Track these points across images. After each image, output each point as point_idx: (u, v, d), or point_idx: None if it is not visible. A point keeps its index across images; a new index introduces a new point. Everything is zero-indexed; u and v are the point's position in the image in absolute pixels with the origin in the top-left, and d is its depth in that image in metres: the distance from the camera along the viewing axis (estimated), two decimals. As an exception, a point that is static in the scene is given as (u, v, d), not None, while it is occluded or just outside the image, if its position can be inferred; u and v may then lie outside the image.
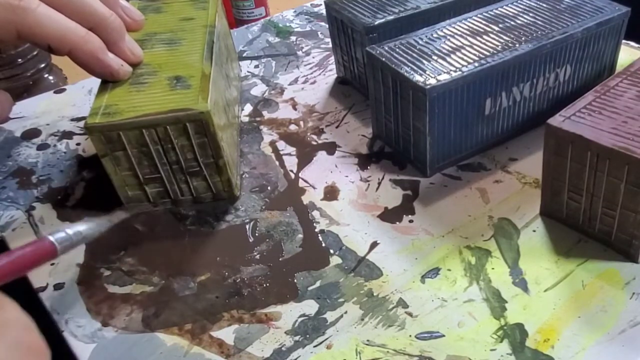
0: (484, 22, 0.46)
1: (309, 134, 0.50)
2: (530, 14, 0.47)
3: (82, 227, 0.29)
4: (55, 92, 0.60)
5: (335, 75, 0.58)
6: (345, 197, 0.43)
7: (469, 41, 0.44)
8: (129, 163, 0.40)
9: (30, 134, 0.53)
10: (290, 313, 0.35)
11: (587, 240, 0.38)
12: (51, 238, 0.27)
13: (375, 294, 0.36)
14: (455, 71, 0.40)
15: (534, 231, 0.39)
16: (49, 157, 0.50)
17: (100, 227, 0.32)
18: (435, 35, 0.45)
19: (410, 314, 0.34)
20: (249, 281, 0.37)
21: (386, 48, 0.44)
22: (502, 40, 0.44)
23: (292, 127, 0.51)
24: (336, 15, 0.52)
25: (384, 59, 0.43)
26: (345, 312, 0.35)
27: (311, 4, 0.72)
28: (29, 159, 0.50)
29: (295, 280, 0.37)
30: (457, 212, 0.41)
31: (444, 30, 0.46)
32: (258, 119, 0.53)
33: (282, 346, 0.33)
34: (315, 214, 0.42)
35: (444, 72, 0.40)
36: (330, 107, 0.54)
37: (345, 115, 0.52)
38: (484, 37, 0.44)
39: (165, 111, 0.38)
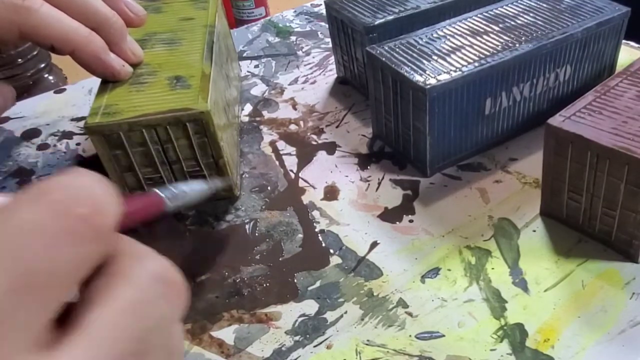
0: (484, 22, 0.46)
1: (309, 133, 0.50)
2: (531, 14, 0.47)
3: (186, 188, 0.28)
4: (55, 92, 0.60)
5: (335, 75, 0.58)
6: (345, 197, 0.43)
7: (469, 41, 0.44)
8: (129, 163, 0.40)
9: (30, 134, 0.53)
10: (290, 313, 0.35)
11: (587, 240, 0.38)
12: (161, 194, 0.26)
13: (375, 294, 0.36)
14: (455, 71, 0.40)
15: (534, 231, 0.39)
16: (49, 157, 0.50)
17: (201, 192, 0.30)
18: (435, 35, 0.45)
19: (410, 314, 0.34)
20: (249, 281, 0.37)
21: (386, 48, 0.44)
22: (502, 40, 0.43)
23: (292, 127, 0.51)
24: (336, 15, 0.52)
25: (384, 59, 0.43)
26: (345, 312, 0.35)
27: (311, 4, 0.72)
28: (29, 159, 0.50)
29: (295, 280, 0.37)
30: (457, 212, 0.41)
31: (444, 30, 0.46)
32: (258, 118, 0.53)
33: (282, 346, 0.33)
34: (315, 213, 0.42)
35: (444, 72, 0.40)
36: (330, 107, 0.54)
37: (345, 115, 0.52)
38: (484, 37, 0.44)
39: (165, 111, 0.38)
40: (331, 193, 0.44)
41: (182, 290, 0.18)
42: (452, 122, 0.42)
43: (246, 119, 0.53)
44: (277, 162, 0.47)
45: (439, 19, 0.48)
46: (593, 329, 0.32)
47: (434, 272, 0.37)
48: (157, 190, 0.26)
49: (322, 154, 0.48)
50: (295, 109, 0.54)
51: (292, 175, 0.46)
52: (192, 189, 0.29)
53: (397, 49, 0.44)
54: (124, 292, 0.16)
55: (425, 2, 0.50)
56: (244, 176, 0.46)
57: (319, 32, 0.66)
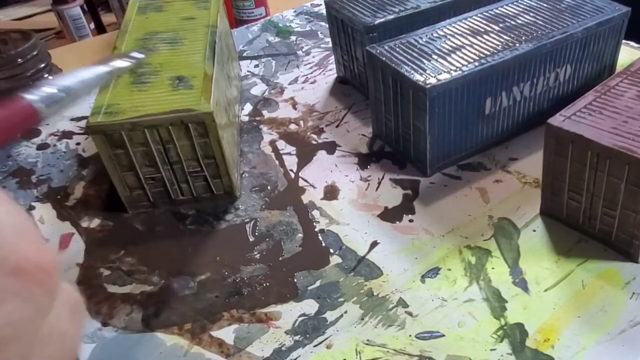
0: (484, 21, 0.46)
1: (309, 133, 0.50)
2: (531, 14, 0.47)
3: (69, 81, 0.22)
4: (55, 92, 0.60)
5: (335, 75, 0.58)
6: (345, 197, 0.43)
7: (469, 40, 0.44)
8: (130, 162, 0.40)
9: (30, 134, 0.53)
10: (290, 313, 0.35)
11: (587, 240, 0.38)
12: (28, 96, 0.20)
13: (375, 294, 0.36)
14: (455, 70, 0.40)
15: (534, 231, 0.39)
16: (48, 156, 0.50)
17: (96, 78, 0.24)
18: (435, 34, 0.45)
19: (410, 314, 0.34)
20: (249, 281, 0.37)
21: (386, 47, 0.44)
22: (502, 40, 0.43)
23: (292, 127, 0.51)
24: (336, 15, 0.52)
25: (384, 58, 0.43)
26: (345, 312, 0.35)
27: (311, 4, 0.72)
28: (29, 159, 0.50)
29: (295, 280, 0.37)
30: (457, 211, 0.41)
31: (444, 30, 0.46)
32: (258, 118, 0.53)
33: (282, 346, 0.33)
34: (315, 213, 0.42)
35: (444, 72, 0.40)
36: (330, 106, 0.54)
37: (345, 114, 0.52)
38: (484, 36, 0.44)
39: (168, 111, 0.38)
40: (331, 193, 0.44)
41: (49, 272, 0.13)
42: (452, 122, 0.42)
43: (246, 118, 0.53)
44: (277, 162, 0.47)
45: (439, 19, 0.48)
46: (593, 329, 0.32)
47: (434, 271, 0.37)
48: (24, 95, 0.20)
49: (322, 154, 0.48)
50: (295, 108, 0.54)
51: (292, 175, 0.46)
52: (80, 80, 0.23)
53: (397, 49, 0.44)
54: None
55: (425, 2, 0.50)
56: (244, 176, 0.46)
57: (319, 32, 0.66)
